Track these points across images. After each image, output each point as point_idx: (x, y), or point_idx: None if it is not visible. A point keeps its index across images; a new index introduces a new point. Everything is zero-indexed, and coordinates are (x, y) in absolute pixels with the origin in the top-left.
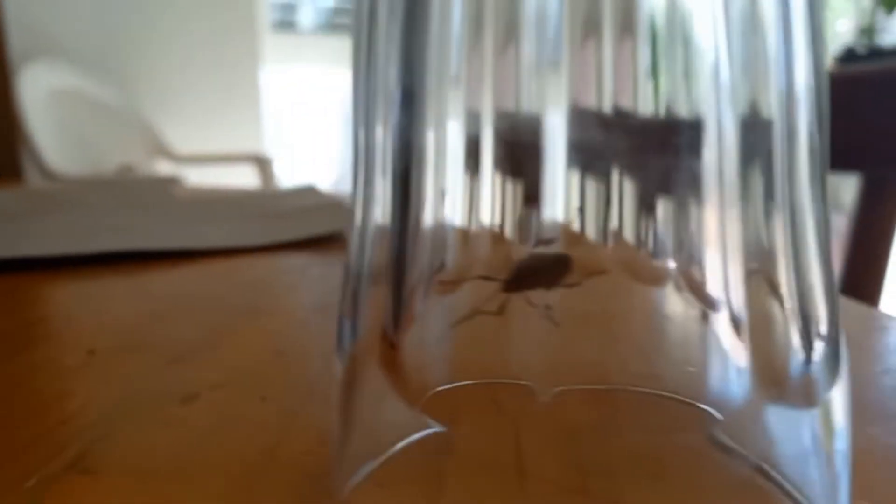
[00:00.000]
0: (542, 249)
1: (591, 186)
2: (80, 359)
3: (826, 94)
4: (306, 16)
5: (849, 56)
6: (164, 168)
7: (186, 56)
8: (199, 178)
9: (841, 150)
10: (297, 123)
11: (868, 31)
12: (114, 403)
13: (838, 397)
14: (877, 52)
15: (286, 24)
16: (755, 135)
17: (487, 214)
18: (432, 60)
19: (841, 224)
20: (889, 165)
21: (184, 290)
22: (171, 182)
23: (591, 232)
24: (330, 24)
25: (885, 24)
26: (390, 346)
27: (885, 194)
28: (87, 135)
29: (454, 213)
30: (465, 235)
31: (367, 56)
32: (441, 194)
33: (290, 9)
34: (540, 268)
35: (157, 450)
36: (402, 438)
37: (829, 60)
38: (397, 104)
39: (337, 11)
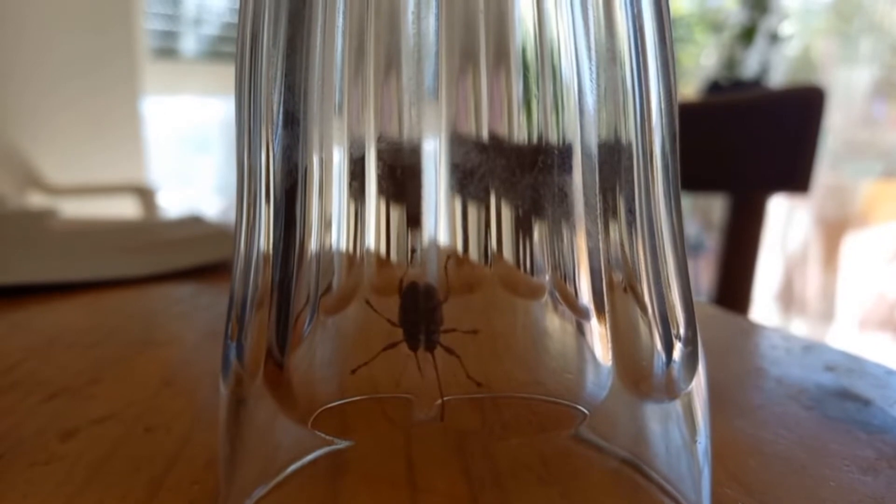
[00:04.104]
0: (417, 270)
1: (472, 209)
2: None
3: (676, 118)
4: (189, 43)
5: (714, 87)
6: (37, 201)
7: (60, 84)
8: (77, 210)
9: (710, 174)
10: (181, 153)
11: (729, 64)
12: None
13: (697, 392)
14: (738, 84)
15: (168, 51)
16: (616, 157)
17: (372, 237)
18: (315, 87)
19: (713, 242)
20: (754, 186)
21: (66, 324)
22: (46, 215)
23: (473, 252)
24: (214, 52)
25: (743, 57)
26: (277, 367)
27: (751, 213)
28: None
29: (339, 237)
30: (350, 258)
31: (250, 81)
32: (326, 218)
33: (171, 36)
34: (421, 312)
35: (36, 490)
36: (294, 460)
37: (696, 91)
38: (280, 127)
39: (221, 39)
